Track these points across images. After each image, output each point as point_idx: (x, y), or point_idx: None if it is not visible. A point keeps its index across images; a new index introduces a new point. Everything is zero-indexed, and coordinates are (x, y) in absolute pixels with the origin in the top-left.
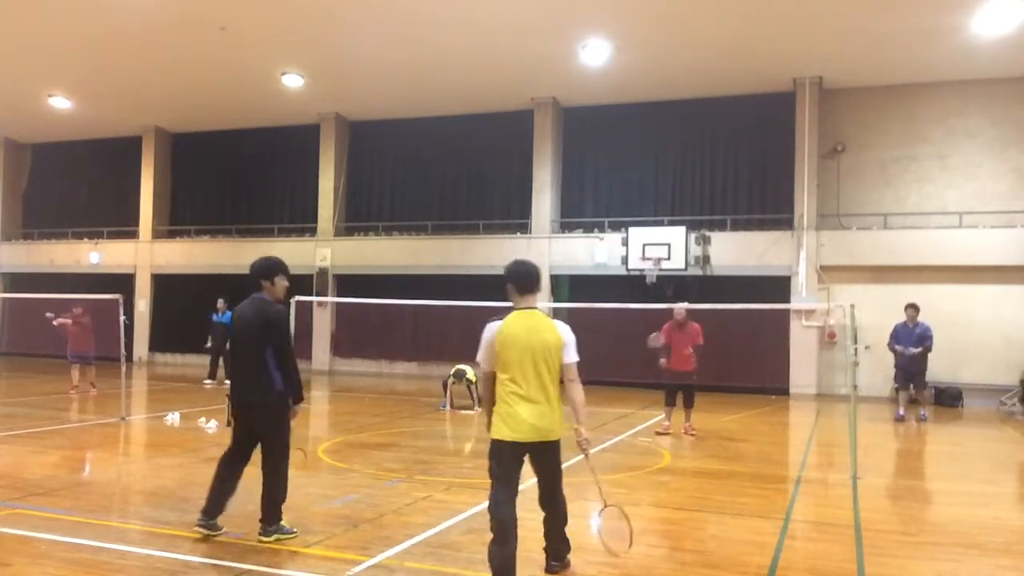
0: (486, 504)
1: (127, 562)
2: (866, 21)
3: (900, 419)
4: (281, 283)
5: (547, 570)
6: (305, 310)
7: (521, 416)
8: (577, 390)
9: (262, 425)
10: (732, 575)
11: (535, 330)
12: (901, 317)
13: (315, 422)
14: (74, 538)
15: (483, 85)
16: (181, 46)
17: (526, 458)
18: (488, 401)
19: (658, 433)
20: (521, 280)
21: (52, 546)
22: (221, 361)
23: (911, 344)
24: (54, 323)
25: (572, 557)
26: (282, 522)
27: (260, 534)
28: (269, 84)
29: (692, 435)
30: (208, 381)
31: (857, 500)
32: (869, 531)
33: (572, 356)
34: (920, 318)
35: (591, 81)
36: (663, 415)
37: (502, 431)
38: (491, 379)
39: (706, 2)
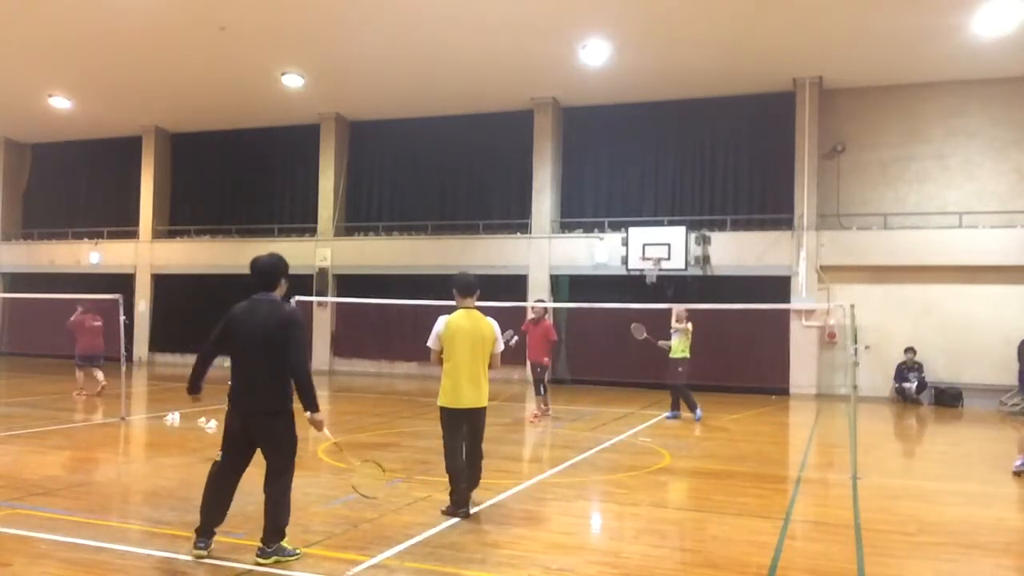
0: (486, 504)
1: (127, 562)
2: (866, 21)
3: None
4: (285, 284)
5: None
6: (305, 310)
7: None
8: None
9: (276, 439)
10: (732, 575)
11: (475, 324)
12: (901, 316)
13: None
14: (74, 538)
15: (483, 85)
16: (181, 46)
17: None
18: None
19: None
20: (458, 287)
21: (52, 546)
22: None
23: None
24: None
25: (572, 557)
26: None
27: (258, 555)
28: (269, 84)
29: (535, 420)
30: None
31: (857, 500)
32: (869, 531)
33: (500, 346)
34: (919, 318)
35: (591, 81)
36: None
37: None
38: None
39: (706, 2)
